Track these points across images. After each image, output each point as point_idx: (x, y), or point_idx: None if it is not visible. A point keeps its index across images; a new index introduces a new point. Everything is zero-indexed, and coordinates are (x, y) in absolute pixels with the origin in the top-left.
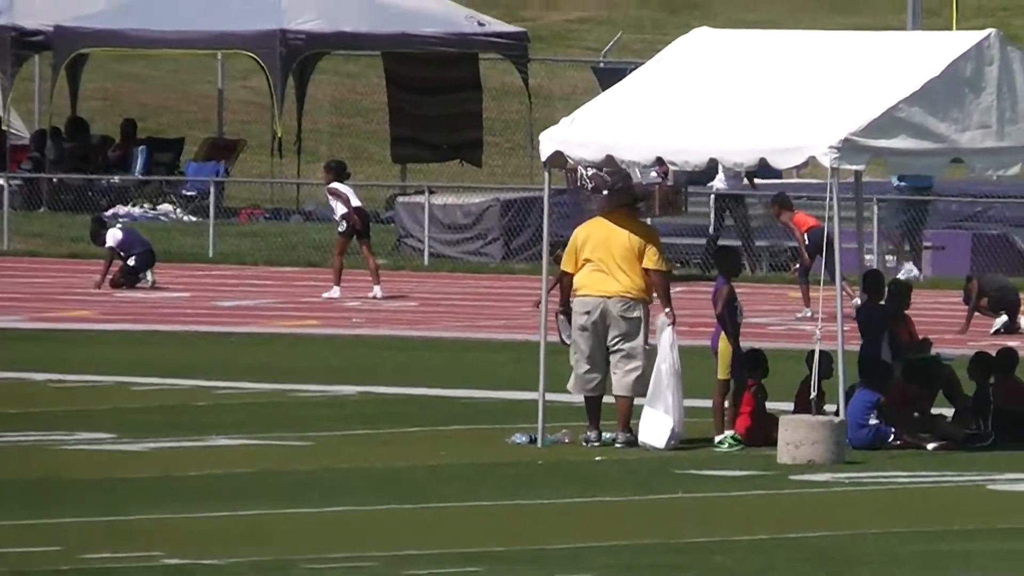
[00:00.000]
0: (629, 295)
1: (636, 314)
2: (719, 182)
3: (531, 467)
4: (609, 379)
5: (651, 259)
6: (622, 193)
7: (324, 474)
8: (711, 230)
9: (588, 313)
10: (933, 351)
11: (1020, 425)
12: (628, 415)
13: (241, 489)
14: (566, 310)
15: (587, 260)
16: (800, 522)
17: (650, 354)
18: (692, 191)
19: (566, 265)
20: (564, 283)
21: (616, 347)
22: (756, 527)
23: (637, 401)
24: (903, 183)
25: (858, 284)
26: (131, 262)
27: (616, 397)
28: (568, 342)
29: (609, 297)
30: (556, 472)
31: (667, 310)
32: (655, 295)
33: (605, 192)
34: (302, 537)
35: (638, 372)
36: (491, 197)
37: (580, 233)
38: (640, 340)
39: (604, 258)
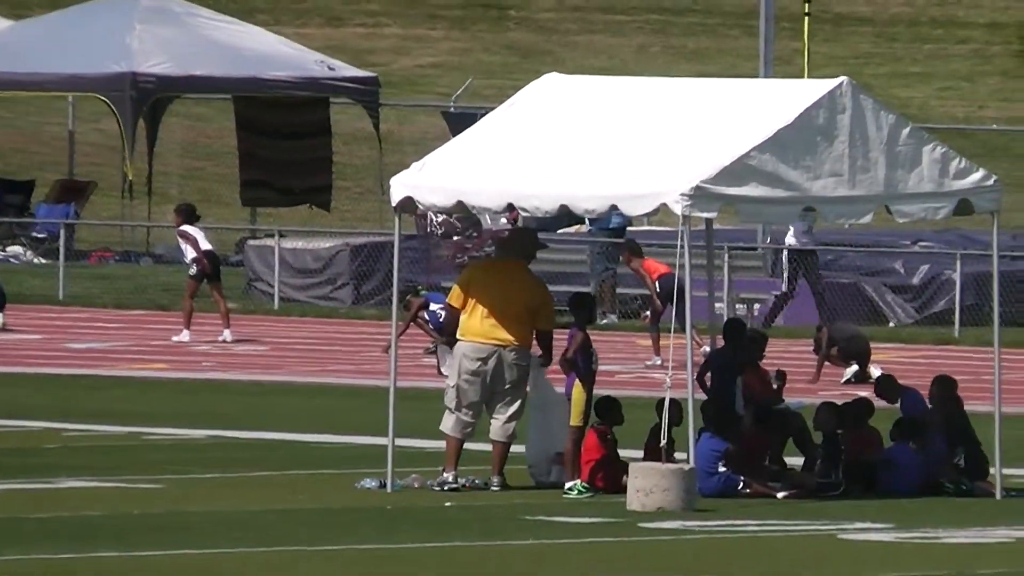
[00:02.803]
0: (523, 345)
1: (526, 363)
2: (790, 238)
3: (380, 512)
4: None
5: (546, 321)
6: (517, 242)
7: (174, 517)
8: (784, 287)
9: (482, 360)
10: (784, 399)
11: (870, 475)
12: (504, 460)
13: (90, 531)
14: (451, 340)
15: (478, 304)
16: (650, 569)
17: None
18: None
19: (454, 300)
20: (451, 316)
21: (503, 394)
22: (606, 574)
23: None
24: (594, 227)
25: (708, 332)
26: None
27: (494, 442)
28: (446, 372)
29: (504, 346)
30: (406, 517)
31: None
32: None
33: (506, 232)
34: None
35: (517, 420)
36: (341, 242)
37: (474, 274)
38: (525, 387)
39: (498, 306)
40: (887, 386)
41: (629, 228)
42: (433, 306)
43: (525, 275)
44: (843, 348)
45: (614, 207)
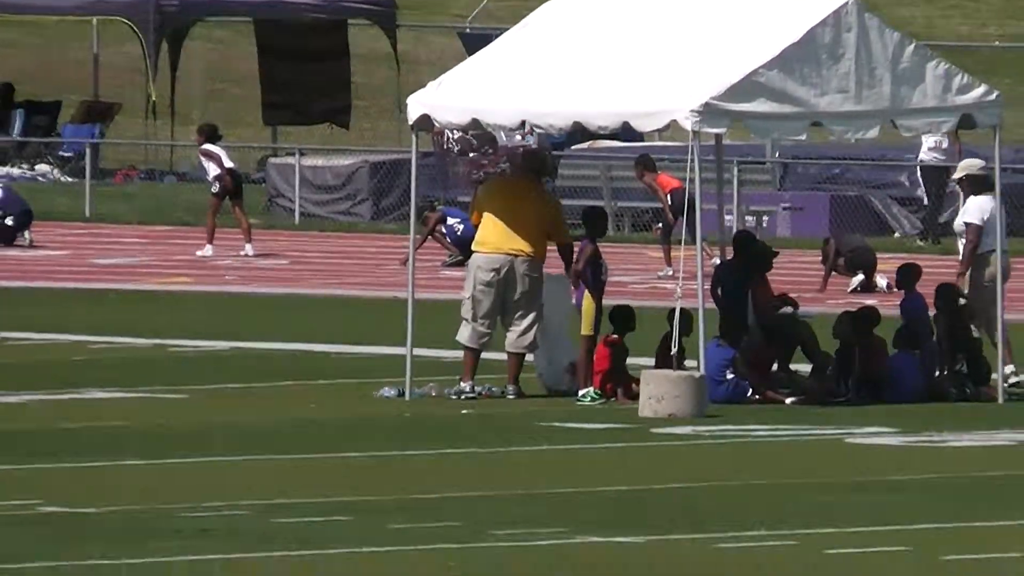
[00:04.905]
0: (536, 257)
1: (538, 275)
2: (923, 153)
3: (399, 420)
4: (497, 335)
5: (560, 235)
6: (532, 158)
7: (197, 427)
8: (926, 202)
9: (495, 271)
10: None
11: (878, 385)
12: (519, 370)
13: (116, 441)
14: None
15: (492, 218)
16: (663, 474)
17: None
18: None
19: (474, 219)
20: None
21: (516, 306)
22: (619, 479)
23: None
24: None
25: (718, 244)
26: (9, 221)
27: (509, 353)
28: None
29: (516, 256)
30: (423, 425)
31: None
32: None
33: (519, 152)
34: (176, 487)
35: (533, 331)
36: (360, 159)
37: (488, 191)
38: (539, 300)
39: (511, 219)
40: (907, 276)
41: (641, 144)
42: (450, 220)
43: (537, 191)
44: (849, 258)
45: (626, 124)
